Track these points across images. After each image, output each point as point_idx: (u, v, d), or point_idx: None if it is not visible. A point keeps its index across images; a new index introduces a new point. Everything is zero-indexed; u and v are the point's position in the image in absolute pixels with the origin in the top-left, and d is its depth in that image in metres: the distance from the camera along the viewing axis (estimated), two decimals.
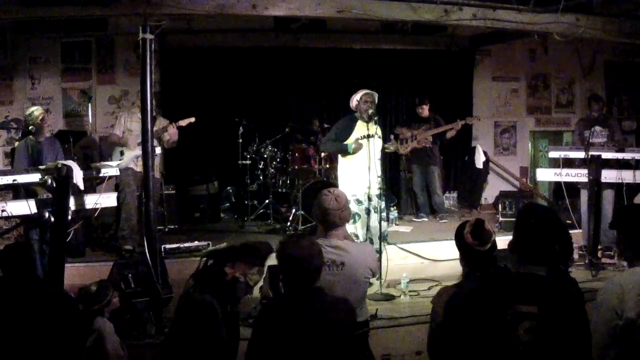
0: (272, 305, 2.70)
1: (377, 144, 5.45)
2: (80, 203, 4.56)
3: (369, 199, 5.46)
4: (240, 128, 7.47)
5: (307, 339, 2.41)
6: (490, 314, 2.17)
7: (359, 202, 5.47)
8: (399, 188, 8.28)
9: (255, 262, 3.30)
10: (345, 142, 5.59)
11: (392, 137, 7.80)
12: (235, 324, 3.13)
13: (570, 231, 6.01)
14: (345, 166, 5.70)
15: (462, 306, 2.28)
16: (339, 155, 5.81)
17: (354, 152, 5.51)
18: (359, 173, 5.47)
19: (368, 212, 5.49)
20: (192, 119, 6.26)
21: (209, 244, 5.95)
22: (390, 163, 8.32)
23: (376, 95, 5.65)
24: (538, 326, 2.12)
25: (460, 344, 2.23)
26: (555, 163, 6.21)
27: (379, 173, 5.26)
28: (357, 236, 5.34)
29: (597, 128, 6.32)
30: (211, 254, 3.35)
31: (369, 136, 5.41)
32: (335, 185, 5.85)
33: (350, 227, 5.15)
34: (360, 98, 5.58)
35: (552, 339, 2.13)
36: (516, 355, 2.12)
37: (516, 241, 2.35)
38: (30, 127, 5.46)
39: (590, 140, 6.07)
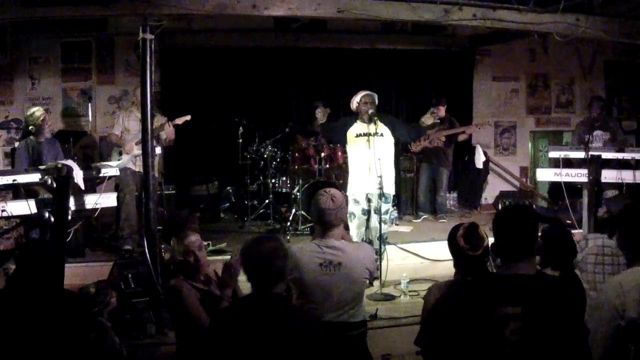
0: (228, 309, 2.65)
1: (378, 143, 5.45)
2: (80, 203, 4.57)
3: (370, 200, 5.47)
4: (240, 128, 7.47)
5: (256, 348, 2.31)
6: (476, 319, 2.16)
7: (356, 201, 5.48)
8: (399, 188, 8.27)
9: (172, 233, 3.33)
10: (340, 138, 5.70)
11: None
12: (215, 304, 3.14)
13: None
14: (350, 166, 5.73)
15: (449, 312, 2.27)
16: (348, 154, 5.82)
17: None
18: (358, 173, 5.48)
19: (367, 212, 5.50)
20: (188, 117, 6.27)
21: (208, 244, 5.95)
22: None
23: (376, 96, 5.65)
24: (524, 327, 2.11)
25: (448, 349, 2.22)
26: (555, 163, 6.20)
27: (379, 173, 5.25)
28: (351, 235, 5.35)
29: (598, 132, 6.32)
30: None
31: (369, 134, 5.41)
32: (335, 186, 5.85)
33: None
34: (360, 99, 5.60)
35: (539, 338, 2.12)
36: (504, 358, 2.11)
37: (497, 244, 2.35)
38: (30, 127, 5.47)
39: (591, 145, 6.07)
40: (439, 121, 7.64)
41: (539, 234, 3.24)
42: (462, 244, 2.71)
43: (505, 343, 2.10)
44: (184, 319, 3.10)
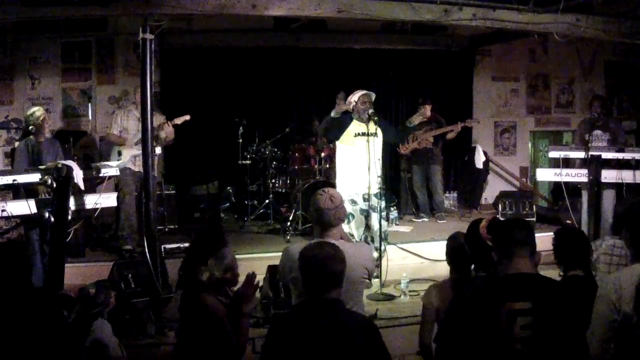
0: (284, 316, 2.63)
1: (376, 143, 5.44)
2: (80, 203, 4.57)
3: (367, 199, 5.46)
4: (240, 128, 7.47)
5: (316, 355, 2.32)
6: (485, 315, 2.17)
7: (353, 202, 5.46)
8: (399, 188, 8.28)
9: (210, 253, 3.27)
10: (338, 137, 5.64)
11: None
12: (236, 319, 3.11)
13: None
14: (342, 165, 5.70)
15: (461, 309, 2.28)
16: (337, 155, 5.81)
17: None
18: (355, 173, 5.47)
19: (365, 212, 5.49)
20: (187, 117, 6.27)
21: None
22: (390, 163, 8.32)
23: (373, 96, 5.64)
24: (533, 322, 2.13)
25: (460, 347, 2.23)
26: (555, 163, 6.20)
27: (379, 173, 5.25)
28: (352, 236, 5.34)
29: (598, 132, 6.31)
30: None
31: (368, 134, 5.39)
32: (334, 186, 5.84)
33: (345, 227, 5.15)
34: (359, 99, 5.57)
35: (549, 333, 2.13)
36: (514, 353, 2.12)
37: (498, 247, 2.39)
38: (30, 127, 5.47)
39: (591, 145, 6.06)
40: (426, 120, 7.63)
41: (552, 236, 3.28)
42: (485, 235, 2.72)
43: (515, 338, 2.12)
44: (210, 334, 3.04)
